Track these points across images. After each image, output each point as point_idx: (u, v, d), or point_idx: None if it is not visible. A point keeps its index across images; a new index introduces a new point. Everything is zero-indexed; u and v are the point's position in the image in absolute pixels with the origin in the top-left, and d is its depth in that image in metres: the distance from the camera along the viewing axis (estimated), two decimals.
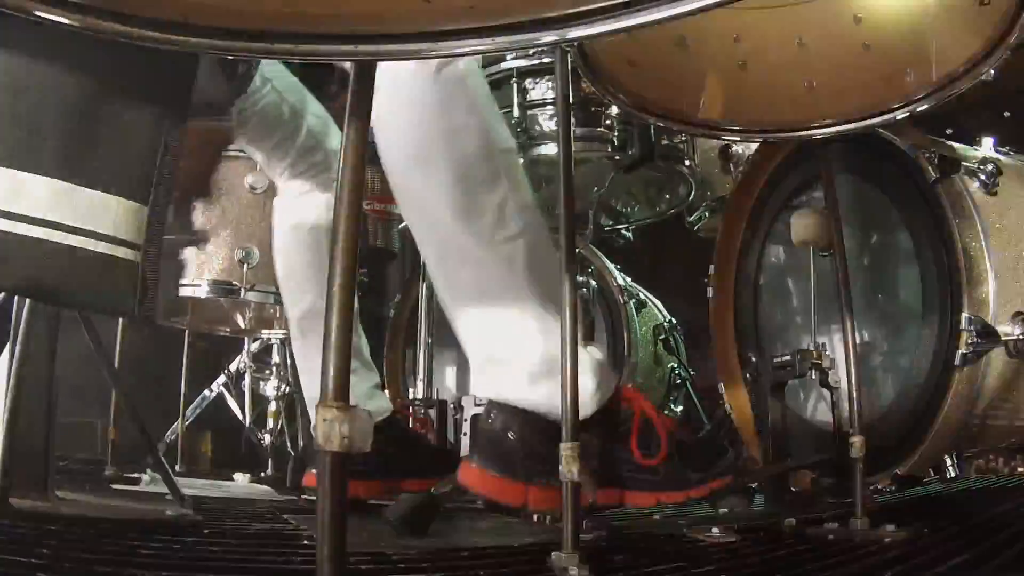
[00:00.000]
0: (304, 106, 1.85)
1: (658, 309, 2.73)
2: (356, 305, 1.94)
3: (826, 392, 1.70)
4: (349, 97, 0.69)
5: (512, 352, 1.31)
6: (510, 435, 1.29)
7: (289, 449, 2.88)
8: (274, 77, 1.82)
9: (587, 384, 1.28)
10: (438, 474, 1.74)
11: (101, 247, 1.27)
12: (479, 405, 2.18)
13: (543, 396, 1.27)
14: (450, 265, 1.32)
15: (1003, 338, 1.55)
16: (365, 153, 0.70)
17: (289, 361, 3.05)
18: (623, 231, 2.86)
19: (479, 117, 1.27)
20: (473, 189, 1.24)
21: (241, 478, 2.52)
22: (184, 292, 2.52)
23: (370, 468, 1.69)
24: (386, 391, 2.13)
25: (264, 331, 3.05)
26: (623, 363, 2.43)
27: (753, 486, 1.81)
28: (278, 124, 1.84)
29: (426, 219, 1.32)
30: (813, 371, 1.63)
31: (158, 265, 1.35)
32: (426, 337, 2.42)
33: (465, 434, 2.14)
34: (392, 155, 1.31)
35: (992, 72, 1.14)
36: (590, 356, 1.31)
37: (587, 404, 1.27)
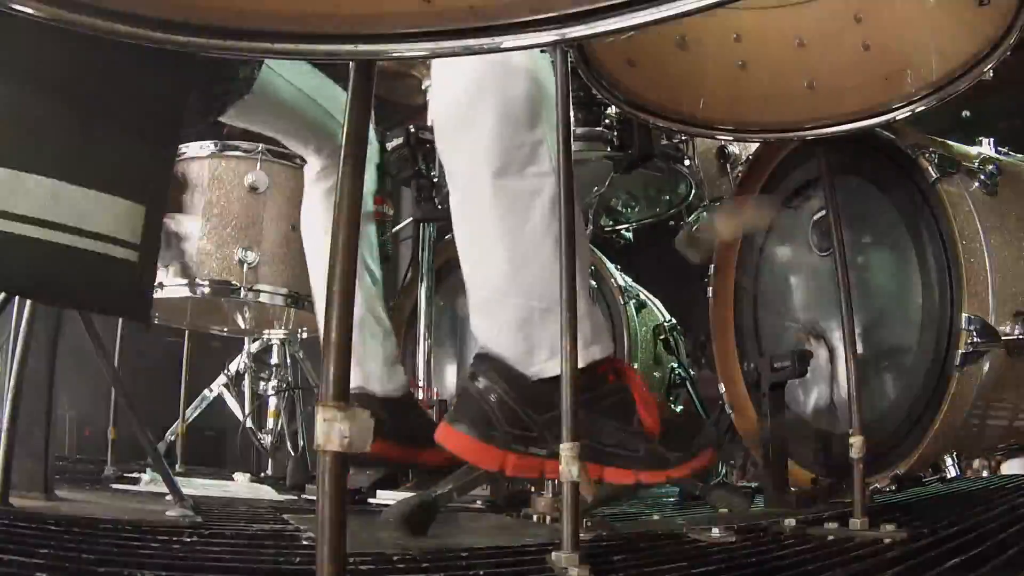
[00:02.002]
0: (333, 106, 1.94)
1: (658, 309, 2.73)
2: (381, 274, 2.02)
3: (826, 391, 1.70)
4: (349, 97, 0.69)
5: (517, 290, 1.31)
6: (492, 397, 1.29)
7: (289, 449, 2.89)
8: (295, 78, 1.88)
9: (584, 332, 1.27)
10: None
11: (98, 246, 1.27)
12: None
13: (531, 348, 1.29)
14: (479, 197, 1.34)
15: (1003, 338, 1.55)
16: (365, 153, 0.70)
17: (289, 361, 3.05)
18: (623, 231, 2.87)
19: (532, 61, 1.34)
20: (515, 126, 1.31)
21: (241, 478, 2.52)
22: (184, 292, 2.52)
23: (395, 432, 1.73)
24: None
25: (264, 331, 3.05)
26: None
27: (753, 486, 1.81)
28: (302, 122, 1.93)
29: (465, 150, 1.35)
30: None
31: (155, 265, 1.35)
32: (426, 337, 2.43)
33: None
34: (445, 95, 1.38)
35: (991, 72, 1.14)
36: (592, 312, 1.32)
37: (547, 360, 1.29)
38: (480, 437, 1.28)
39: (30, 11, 0.54)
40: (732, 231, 2.10)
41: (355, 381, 1.83)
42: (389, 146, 2.39)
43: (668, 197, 2.72)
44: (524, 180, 1.32)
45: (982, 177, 1.66)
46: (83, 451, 2.94)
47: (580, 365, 1.28)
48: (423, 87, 2.68)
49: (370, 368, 1.89)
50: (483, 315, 1.36)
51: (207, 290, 2.53)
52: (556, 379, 1.29)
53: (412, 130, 2.42)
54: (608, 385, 1.34)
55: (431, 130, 2.47)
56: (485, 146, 1.32)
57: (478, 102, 1.32)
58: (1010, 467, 1.88)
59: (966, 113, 1.87)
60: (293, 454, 2.81)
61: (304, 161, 2.08)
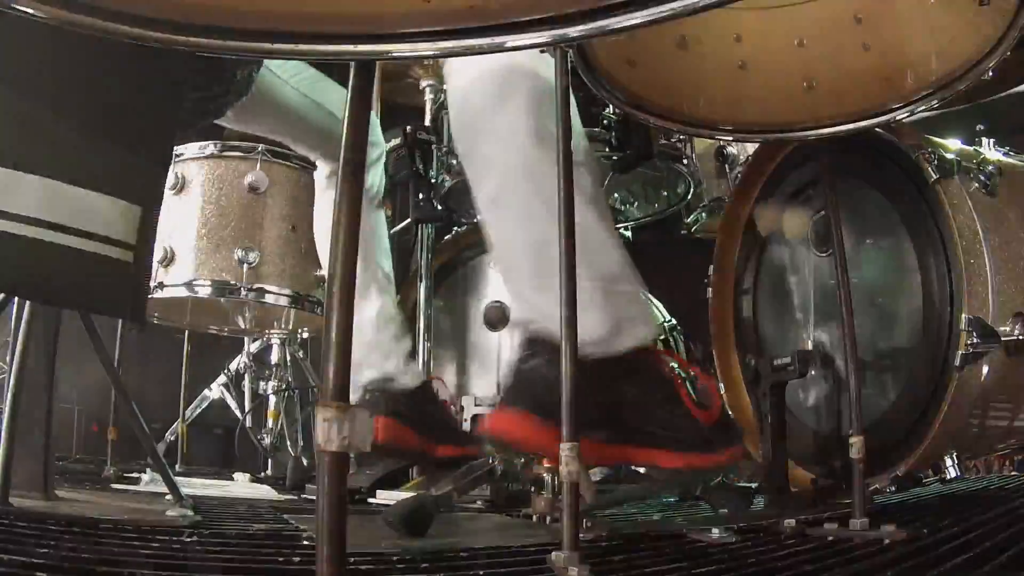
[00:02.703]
0: (337, 108, 1.95)
1: (658, 309, 2.73)
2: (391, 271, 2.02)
3: (826, 391, 1.70)
4: (349, 97, 0.69)
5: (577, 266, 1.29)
6: (552, 378, 1.16)
7: (289, 449, 2.89)
8: (298, 81, 1.88)
9: (616, 319, 1.26)
10: (469, 443, 1.79)
11: (93, 247, 1.27)
12: (479, 405, 2.20)
13: (597, 325, 1.24)
14: (515, 189, 1.32)
15: (1003, 338, 1.55)
16: (365, 153, 0.70)
17: (289, 361, 3.05)
18: (623, 231, 2.86)
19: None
20: (545, 117, 1.28)
21: (241, 478, 2.52)
22: (184, 292, 2.52)
23: (416, 422, 1.74)
24: None
25: (264, 331, 3.05)
26: None
27: (753, 486, 1.81)
28: (305, 124, 1.95)
29: (498, 145, 1.34)
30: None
31: (150, 265, 1.35)
32: (426, 338, 2.43)
33: (462, 419, 2.17)
34: (471, 83, 1.36)
35: (991, 72, 1.14)
36: (638, 297, 1.32)
37: (606, 340, 1.25)
38: (540, 416, 1.21)
39: (31, 11, 0.54)
40: (774, 227, 2.08)
41: (375, 374, 1.84)
42: (387, 147, 2.39)
43: (667, 196, 2.72)
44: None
45: (982, 177, 1.66)
46: (90, 446, 2.94)
47: (630, 345, 1.26)
48: (421, 87, 2.68)
49: (391, 361, 1.90)
50: (533, 298, 1.30)
51: (207, 290, 2.53)
52: (619, 359, 1.26)
53: (410, 130, 2.42)
54: (654, 368, 1.31)
55: (428, 130, 2.48)
56: (523, 123, 1.30)
57: (509, 95, 1.31)
58: None
59: (980, 127, 1.87)
60: (293, 454, 2.81)
61: (306, 162, 2.08)
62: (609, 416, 1.24)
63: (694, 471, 1.32)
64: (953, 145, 1.77)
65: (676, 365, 1.34)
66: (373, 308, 1.90)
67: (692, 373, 1.32)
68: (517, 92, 1.31)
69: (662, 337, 2.62)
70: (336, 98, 1.95)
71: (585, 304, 1.20)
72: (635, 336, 1.29)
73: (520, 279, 1.34)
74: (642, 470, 1.51)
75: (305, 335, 3.07)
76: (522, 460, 1.53)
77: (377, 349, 1.87)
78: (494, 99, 1.33)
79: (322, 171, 2.05)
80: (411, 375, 1.93)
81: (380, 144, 2.10)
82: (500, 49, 0.58)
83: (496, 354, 2.57)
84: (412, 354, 2.00)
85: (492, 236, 1.38)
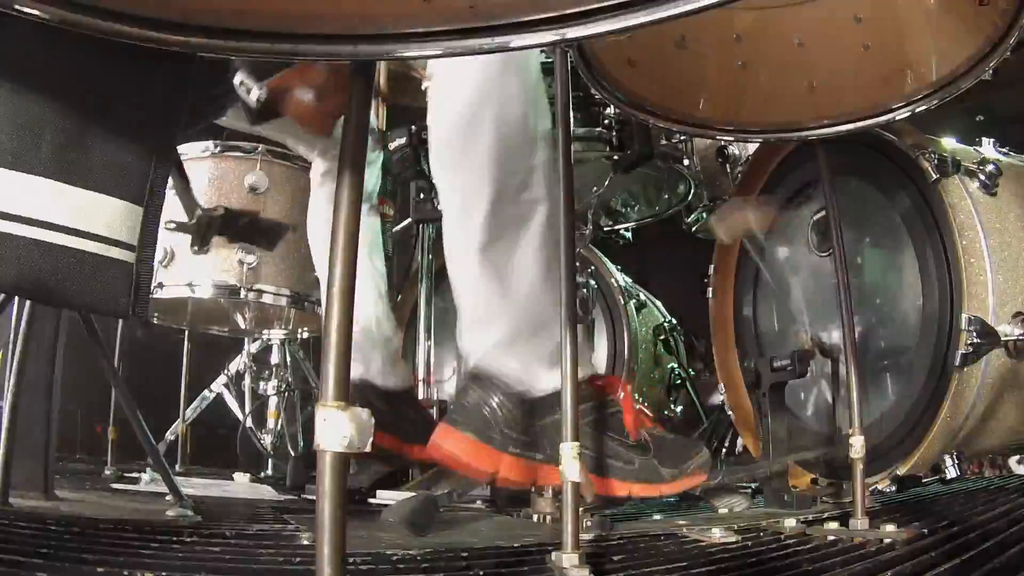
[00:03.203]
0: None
1: (658, 309, 2.73)
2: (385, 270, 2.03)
3: (826, 391, 1.70)
4: (349, 96, 0.69)
5: (504, 313, 1.33)
6: (491, 403, 1.31)
7: (289, 449, 2.89)
8: None
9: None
10: None
11: (95, 247, 1.27)
12: None
13: (522, 367, 1.31)
14: (470, 218, 1.36)
15: (1003, 338, 1.55)
16: (365, 153, 0.70)
17: (289, 361, 3.05)
18: (623, 231, 2.87)
19: (530, 88, 1.37)
20: (511, 151, 1.32)
21: (241, 478, 2.51)
22: (184, 292, 2.52)
23: (391, 424, 1.75)
24: None
25: (264, 331, 3.05)
26: (623, 363, 2.43)
27: (753, 486, 1.81)
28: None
29: (461, 175, 1.37)
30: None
31: (152, 266, 1.35)
32: (425, 338, 2.43)
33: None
34: (444, 111, 1.39)
35: (991, 72, 1.14)
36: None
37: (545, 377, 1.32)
38: (479, 438, 1.30)
39: (31, 11, 0.54)
40: (734, 232, 2.10)
41: (357, 372, 1.84)
42: (391, 146, 2.39)
43: (668, 197, 2.72)
44: (517, 206, 1.34)
45: (982, 177, 1.66)
46: (87, 445, 2.93)
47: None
48: (423, 87, 2.68)
49: (374, 361, 1.91)
50: (473, 335, 1.38)
51: (207, 290, 2.53)
52: (548, 395, 1.32)
53: (414, 130, 2.42)
54: (597, 399, 1.35)
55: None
56: (481, 175, 1.34)
57: (475, 129, 1.34)
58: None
59: (980, 118, 1.88)
60: (293, 454, 2.81)
61: (305, 162, 2.08)
62: (551, 441, 1.28)
63: (640, 499, 1.38)
64: (953, 145, 1.77)
65: (621, 396, 1.39)
66: (365, 307, 1.91)
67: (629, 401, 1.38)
68: (481, 143, 1.33)
69: (662, 337, 2.62)
70: None
71: (530, 352, 1.26)
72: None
73: (465, 317, 1.41)
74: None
75: (305, 335, 3.07)
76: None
77: (359, 350, 1.88)
78: (463, 130, 1.35)
79: (316, 169, 2.05)
80: (394, 377, 1.94)
81: (376, 147, 2.10)
82: (500, 49, 0.58)
83: None
84: (398, 356, 2.00)
85: (449, 255, 1.43)
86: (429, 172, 2.47)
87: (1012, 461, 1.94)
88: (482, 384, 1.34)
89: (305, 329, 3.03)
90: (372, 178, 2.06)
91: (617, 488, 1.33)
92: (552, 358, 1.32)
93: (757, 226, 2.00)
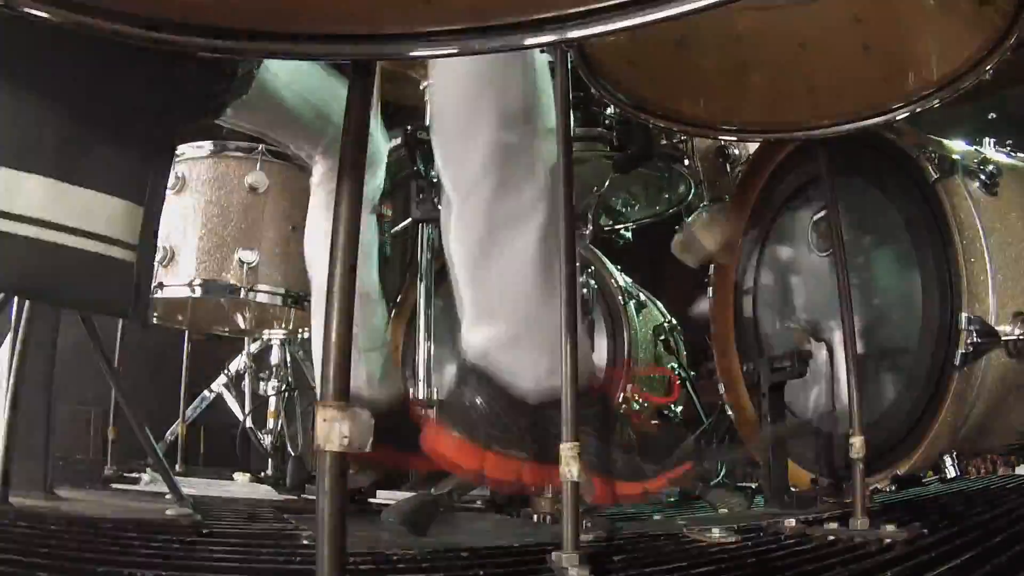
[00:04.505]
0: (330, 108, 1.93)
1: (658, 309, 2.72)
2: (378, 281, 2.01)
3: (827, 391, 1.70)
4: (349, 97, 0.69)
5: (501, 309, 1.33)
6: (477, 400, 1.31)
7: (289, 449, 2.88)
8: (294, 80, 1.88)
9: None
10: None
11: (95, 247, 1.27)
12: None
13: (516, 363, 1.31)
14: (472, 211, 1.35)
15: (1003, 338, 1.55)
16: (365, 153, 0.70)
17: (289, 360, 3.05)
18: (623, 231, 2.86)
19: (531, 82, 1.34)
20: (512, 143, 1.31)
21: (241, 478, 2.51)
22: (184, 292, 2.52)
23: (381, 434, 1.73)
24: None
25: (264, 331, 3.05)
26: (623, 363, 2.43)
27: (753, 486, 1.81)
28: (298, 124, 1.93)
29: (463, 165, 1.36)
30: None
31: (152, 265, 1.35)
32: (425, 338, 2.42)
33: None
34: (445, 99, 1.39)
35: (991, 72, 1.14)
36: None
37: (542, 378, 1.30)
38: (465, 436, 1.30)
39: (32, 12, 0.54)
40: (713, 241, 2.11)
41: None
42: (389, 146, 2.38)
43: (668, 197, 2.72)
44: (521, 197, 1.33)
45: (982, 177, 1.66)
46: (83, 446, 2.93)
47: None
48: (421, 87, 2.68)
49: (358, 374, 1.88)
50: (471, 329, 1.37)
51: (207, 290, 2.52)
52: (538, 392, 1.32)
53: (410, 130, 2.42)
54: (588, 398, 1.35)
55: (429, 130, 2.47)
56: (483, 165, 1.32)
57: (475, 119, 1.33)
58: None
59: (992, 116, 1.88)
60: (293, 454, 2.81)
61: (305, 162, 2.07)
62: (535, 439, 1.28)
63: (623, 499, 1.38)
64: (954, 145, 1.77)
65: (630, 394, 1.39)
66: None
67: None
68: (485, 108, 1.32)
69: (662, 337, 2.62)
70: (336, 93, 1.94)
71: (533, 351, 1.26)
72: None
73: (465, 310, 1.40)
74: None
75: (305, 335, 3.07)
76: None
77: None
78: (465, 114, 1.35)
79: (317, 170, 2.04)
80: (385, 388, 1.91)
81: (379, 155, 2.08)
82: (500, 49, 0.58)
83: None
84: (389, 365, 1.97)
85: (452, 243, 1.42)
86: (426, 172, 2.47)
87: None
88: (475, 379, 1.33)
89: (305, 329, 3.03)
90: (377, 180, 2.05)
91: (600, 488, 1.34)
92: (547, 356, 1.32)
93: (718, 244, 2.01)
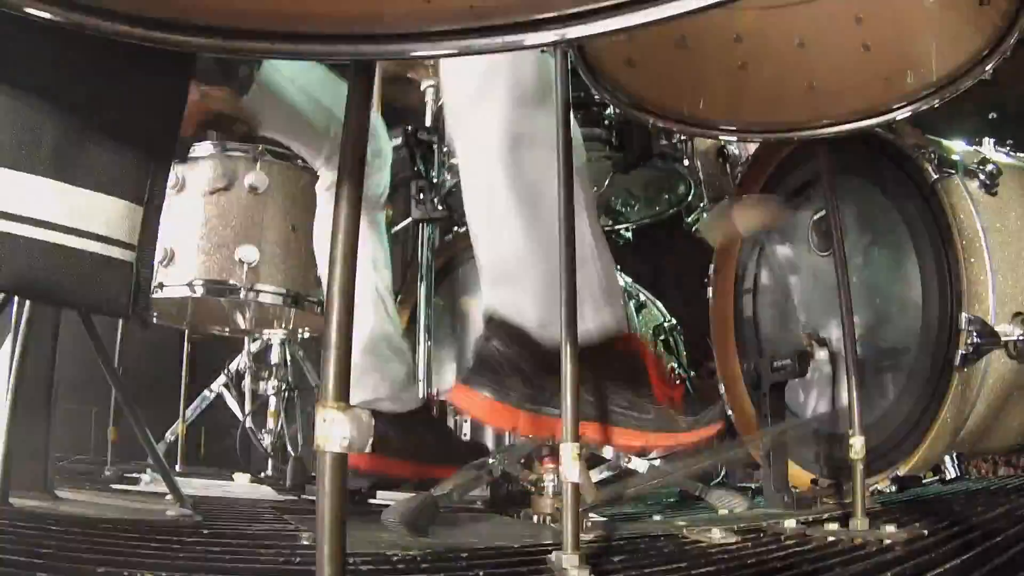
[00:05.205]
0: (334, 106, 1.94)
1: (658, 309, 2.73)
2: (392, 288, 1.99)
3: (827, 391, 1.70)
4: (349, 97, 0.69)
5: (535, 259, 1.32)
6: (507, 359, 1.30)
7: (289, 449, 2.88)
8: (297, 76, 1.88)
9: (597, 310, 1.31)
10: (471, 457, 1.79)
11: (95, 247, 1.27)
12: None
13: (547, 315, 1.29)
14: (492, 171, 1.35)
15: (1003, 338, 1.55)
16: (365, 152, 0.70)
17: (289, 360, 3.05)
18: (623, 231, 2.87)
19: (543, 63, 1.36)
20: (526, 102, 1.32)
21: (241, 478, 2.51)
22: (184, 292, 2.52)
23: (403, 450, 1.72)
24: None
25: (264, 331, 3.05)
26: None
27: (753, 487, 1.81)
28: (303, 124, 1.94)
29: (478, 138, 1.37)
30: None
31: (152, 266, 1.35)
32: (426, 338, 2.42)
33: (465, 435, 2.15)
34: (457, 79, 1.40)
35: (991, 72, 1.14)
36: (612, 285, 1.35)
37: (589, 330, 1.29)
38: (495, 396, 1.29)
39: (32, 11, 0.54)
40: (739, 228, 2.10)
41: (360, 398, 1.75)
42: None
43: (668, 197, 2.72)
44: (537, 151, 1.32)
45: (982, 177, 1.66)
46: (93, 447, 2.93)
47: (596, 339, 1.29)
48: (421, 88, 2.68)
49: (380, 385, 1.84)
50: (501, 286, 1.35)
51: (207, 290, 2.52)
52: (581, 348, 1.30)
53: (410, 130, 2.42)
54: (619, 353, 1.34)
55: (429, 131, 2.48)
56: (498, 121, 1.33)
57: (490, 80, 1.33)
58: None
59: (993, 115, 1.88)
60: (293, 454, 2.81)
61: (305, 162, 2.08)
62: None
63: (655, 449, 1.37)
64: (954, 145, 1.77)
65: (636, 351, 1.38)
66: (366, 326, 1.84)
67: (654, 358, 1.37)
68: (497, 91, 1.33)
69: (662, 337, 2.62)
70: (342, 93, 1.94)
71: (542, 295, 1.25)
72: (598, 323, 1.32)
73: (486, 271, 1.40)
74: (643, 469, 1.53)
75: (305, 335, 3.07)
76: (521, 462, 1.54)
77: (367, 372, 1.80)
78: (471, 99, 1.36)
79: (325, 179, 2.04)
80: (404, 400, 1.87)
81: (384, 151, 2.08)
82: (500, 49, 0.58)
83: None
84: (410, 375, 1.96)
85: (470, 220, 1.43)
86: (426, 172, 2.47)
87: None
88: (502, 335, 1.32)
89: (305, 329, 3.03)
90: (380, 183, 2.04)
91: (633, 438, 1.32)
92: (592, 303, 1.31)
93: (762, 224, 1.99)
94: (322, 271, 2.06)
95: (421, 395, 1.99)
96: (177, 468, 2.75)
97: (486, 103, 1.34)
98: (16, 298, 1.44)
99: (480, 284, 1.42)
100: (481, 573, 0.95)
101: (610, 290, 1.38)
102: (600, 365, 1.31)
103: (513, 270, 1.34)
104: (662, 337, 2.63)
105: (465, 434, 2.26)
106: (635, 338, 1.43)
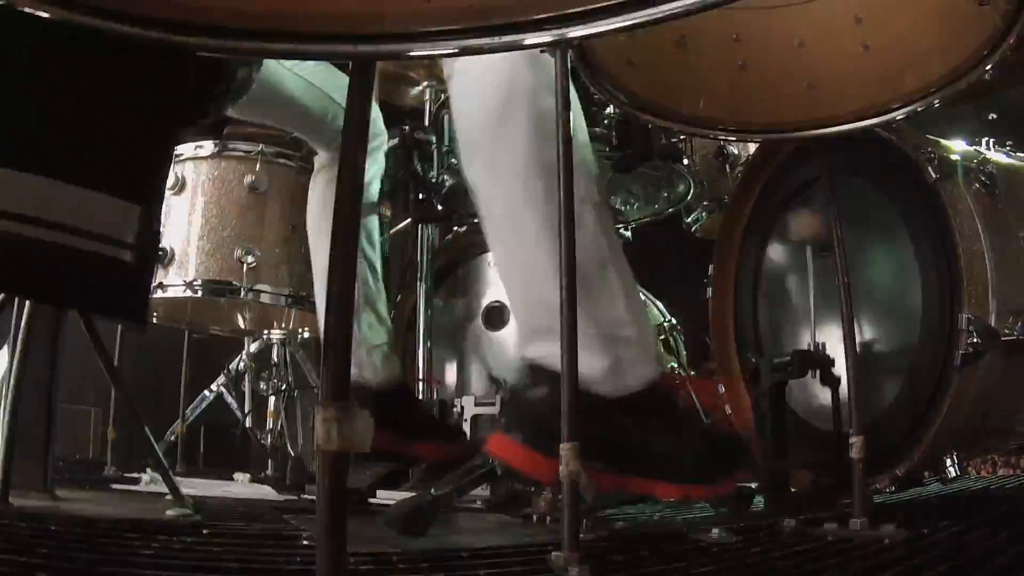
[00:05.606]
0: (334, 94, 1.95)
1: (658, 309, 2.73)
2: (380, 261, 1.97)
3: (827, 391, 1.70)
4: (348, 97, 0.69)
5: (579, 315, 1.29)
6: (550, 408, 1.25)
7: (289, 449, 2.89)
8: (302, 71, 1.88)
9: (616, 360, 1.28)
10: (446, 440, 1.77)
11: (95, 246, 1.27)
12: (480, 405, 2.19)
13: (595, 367, 1.25)
14: (519, 224, 1.30)
15: (1003, 338, 1.55)
16: (365, 151, 0.70)
17: (289, 360, 3.06)
18: (622, 231, 2.86)
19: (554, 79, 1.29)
20: (549, 146, 1.22)
21: (241, 478, 2.51)
22: (184, 293, 2.52)
23: (384, 421, 1.73)
24: None
25: (264, 331, 3.05)
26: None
27: (753, 486, 1.81)
28: (302, 111, 1.94)
29: (499, 174, 1.32)
30: (813, 370, 1.64)
31: (151, 265, 1.35)
32: (426, 339, 2.43)
33: (464, 434, 2.15)
34: (472, 108, 1.34)
35: (991, 72, 1.14)
36: (643, 338, 1.31)
37: (603, 381, 1.27)
38: (537, 448, 1.24)
39: (31, 10, 0.54)
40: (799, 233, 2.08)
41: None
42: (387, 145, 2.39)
43: (668, 197, 2.72)
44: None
45: (982, 177, 1.66)
46: (93, 447, 2.94)
47: (631, 386, 1.27)
48: (421, 87, 2.68)
49: (362, 358, 1.88)
50: (543, 340, 1.28)
51: (207, 290, 2.53)
52: (616, 401, 1.28)
53: (407, 130, 2.42)
54: (662, 403, 1.33)
55: (427, 130, 2.48)
56: (525, 174, 1.28)
57: (508, 125, 1.28)
58: None
59: (992, 116, 1.88)
60: (293, 454, 2.81)
61: (306, 163, 2.08)
62: (608, 448, 1.25)
63: (692, 501, 1.35)
64: (954, 145, 1.77)
65: (692, 395, 1.36)
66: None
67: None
68: (517, 117, 1.28)
69: (662, 337, 2.62)
70: (340, 83, 1.95)
71: (584, 347, 1.21)
72: (636, 377, 1.30)
73: (522, 320, 1.35)
74: None
75: (305, 335, 3.07)
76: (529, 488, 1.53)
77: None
78: (494, 124, 1.30)
79: (320, 158, 2.05)
80: (384, 377, 1.91)
81: (381, 134, 2.08)
82: (500, 49, 0.58)
83: (495, 353, 2.57)
84: (387, 352, 1.97)
85: (498, 260, 1.39)
86: (424, 172, 2.47)
87: None
88: (546, 383, 1.26)
89: (305, 329, 3.03)
90: (375, 167, 2.04)
91: (675, 492, 1.31)
92: (626, 356, 1.28)
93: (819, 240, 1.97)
94: (314, 249, 2.04)
95: (400, 374, 1.99)
96: (177, 468, 2.75)
97: (508, 148, 1.28)
98: (16, 298, 1.44)
99: (489, 290, 1.39)
100: (481, 573, 0.95)
101: (647, 343, 1.35)
102: (639, 417, 1.29)
103: (556, 324, 1.28)
104: (662, 337, 2.63)
105: (465, 419, 2.24)
106: (671, 376, 1.40)
